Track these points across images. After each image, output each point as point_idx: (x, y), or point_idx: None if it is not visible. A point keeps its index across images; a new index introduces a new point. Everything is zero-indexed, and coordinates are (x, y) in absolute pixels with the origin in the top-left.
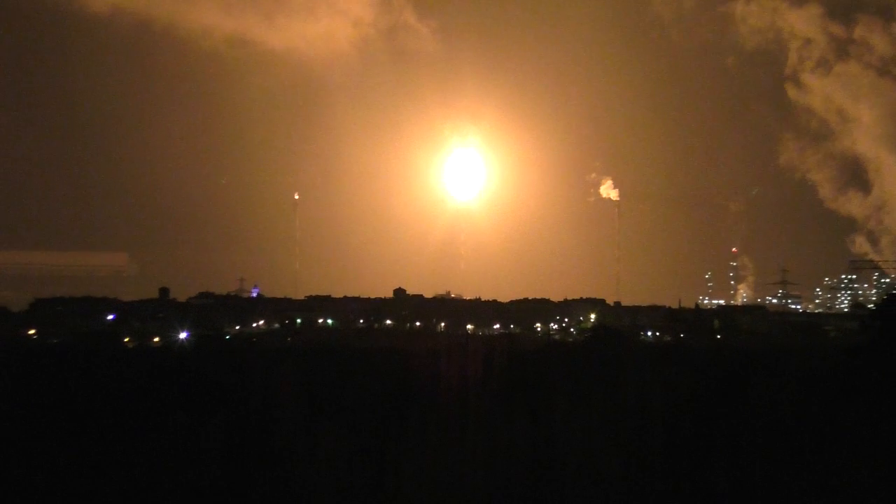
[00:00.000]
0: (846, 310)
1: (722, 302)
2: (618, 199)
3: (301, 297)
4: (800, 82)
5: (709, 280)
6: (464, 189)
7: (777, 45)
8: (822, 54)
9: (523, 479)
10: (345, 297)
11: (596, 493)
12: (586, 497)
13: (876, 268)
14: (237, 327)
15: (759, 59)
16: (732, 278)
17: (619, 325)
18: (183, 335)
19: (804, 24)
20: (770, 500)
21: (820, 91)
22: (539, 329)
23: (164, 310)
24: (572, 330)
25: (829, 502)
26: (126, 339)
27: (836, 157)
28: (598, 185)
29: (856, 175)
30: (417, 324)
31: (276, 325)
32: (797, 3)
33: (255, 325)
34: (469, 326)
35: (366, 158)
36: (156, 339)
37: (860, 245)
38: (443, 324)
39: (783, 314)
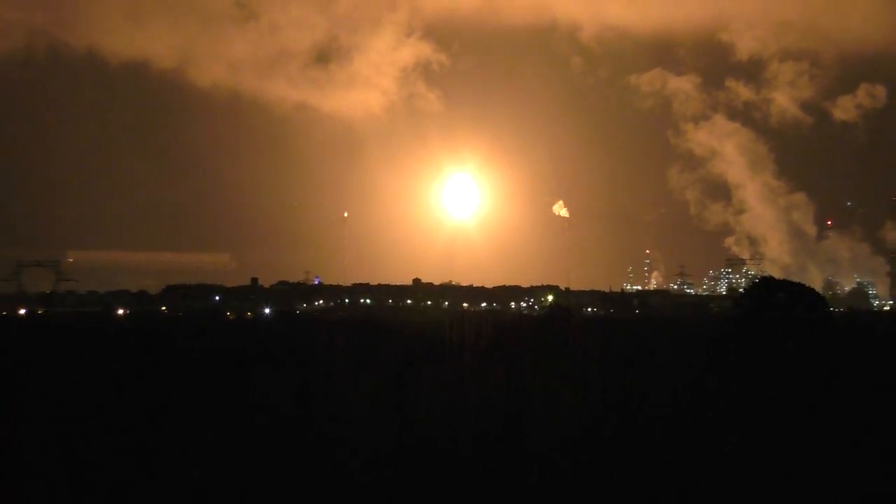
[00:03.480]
0: (724, 293)
1: (639, 287)
2: (567, 214)
3: (348, 283)
4: (679, 129)
5: (630, 272)
6: (461, 206)
7: (664, 103)
8: (697, 109)
9: (502, 390)
10: (378, 284)
11: (546, 384)
12: (543, 393)
13: (745, 263)
14: (304, 305)
15: (651, 113)
16: (646, 270)
17: (568, 303)
18: (266, 311)
19: (683, 87)
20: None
21: (693, 135)
22: (513, 306)
23: (254, 293)
24: (536, 307)
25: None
26: (228, 313)
27: (705, 182)
28: (553, 204)
29: (720, 193)
30: (429, 303)
31: (331, 304)
32: (678, 73)
33: (316, 304)
34: (465, 304)
35: (391, 186)
36: (248, 314)
37: (729, 243)
38: (446, 303)
39: (681, 296)
